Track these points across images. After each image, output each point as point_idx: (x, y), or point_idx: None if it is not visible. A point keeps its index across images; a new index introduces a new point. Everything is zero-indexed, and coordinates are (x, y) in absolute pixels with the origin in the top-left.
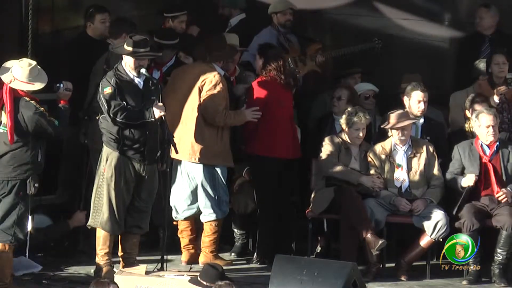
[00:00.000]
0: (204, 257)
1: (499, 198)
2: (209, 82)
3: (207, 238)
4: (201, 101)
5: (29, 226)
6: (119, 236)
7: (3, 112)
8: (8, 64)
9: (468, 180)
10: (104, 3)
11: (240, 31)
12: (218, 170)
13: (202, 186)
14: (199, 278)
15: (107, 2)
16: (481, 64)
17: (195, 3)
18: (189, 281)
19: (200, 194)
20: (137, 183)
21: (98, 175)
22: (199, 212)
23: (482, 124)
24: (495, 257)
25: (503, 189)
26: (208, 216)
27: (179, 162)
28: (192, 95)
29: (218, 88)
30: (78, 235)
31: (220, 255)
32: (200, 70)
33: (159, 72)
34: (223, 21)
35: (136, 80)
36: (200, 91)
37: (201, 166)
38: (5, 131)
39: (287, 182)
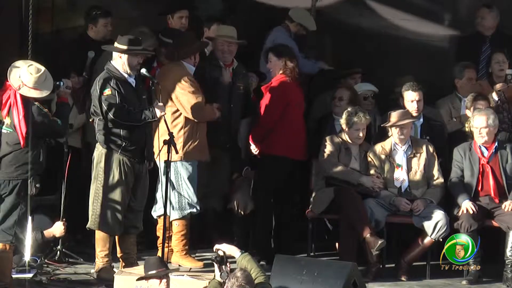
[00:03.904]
0: (174, 255)
1: (506, 210)
2: (179, 83)
3: (173, 237)
4: (177, 103)
5: (29, 227)
6: (116, 237)
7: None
8: (17, 63)
9: (463, 207)
10: (105, 3)
11: None
12: (181, 170)
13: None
14: (146, 273)
15: (107, 3)
16: (457, 68)
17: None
18: (137, 280)
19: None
20: (133, 183)
21: (95, 177)
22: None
23: (474, 125)
24: (506, 261)
25: (509, 201)
26: (172, 214)
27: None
28: (162, 96)
29: (190, 86)
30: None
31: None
32: (170, 70)
33: None
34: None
35: (130, 79)
36: (169, 93)
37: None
38: (8, 131)
39: (292, 182)
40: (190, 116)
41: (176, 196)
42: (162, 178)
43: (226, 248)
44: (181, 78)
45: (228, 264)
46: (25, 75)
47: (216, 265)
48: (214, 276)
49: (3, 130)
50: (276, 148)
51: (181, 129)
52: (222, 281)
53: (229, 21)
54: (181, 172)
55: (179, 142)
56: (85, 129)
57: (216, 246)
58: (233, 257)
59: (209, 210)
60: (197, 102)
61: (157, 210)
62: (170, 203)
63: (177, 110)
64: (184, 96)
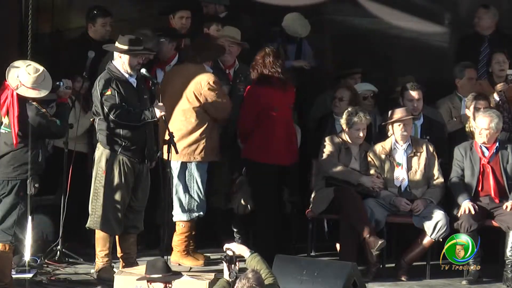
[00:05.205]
0: (175, 255)
1: (508, 210)
2: (207, 84)
3: (176, 237)
4: (206, 105)
5: (29, 227)
6: (117, 237)
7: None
8: (16, 63)
9: (463, 207)
10: (106, 4)
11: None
12: (195, 172)
13: (175, 185)
14: (148, 275)
15: (108, 3)
16: (457, 68)
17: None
18: (138, 279)
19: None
20: (134, 183)
21: (95, 177)
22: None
23: (477, 124)
24: (507, 261)
25: (510, 201)
26: (175, 216)
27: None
28: (184, 97)
29: (219, 87)
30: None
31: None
32: (192, 72)
33: (163, 71)
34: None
35: (131, 79)
36: (196, 95)
37: (178, 164)
38: (6, 131)
39: (282, 185)
40: (220, 117)
41: (187, 197)
42: (176, 180)
43: (235, 248)
44: (209, 80)
45: (237, 263)
46: (23, 75)
47: (225, 264)
48: (215, 275)
49: (1, 130)
50: (251, 153)
51: (204, 131)
52: (230, 280)
53: (231, 21)
54: (194, 173)
55: (202, 143)
56: (92, 133)
57: (226, 246)
58: (243, 257)
59: (212, 209)
60: (227, 104)
61: (174, 214)
62: (181, 204)
63: (202, 112)
64: (215, 98)
